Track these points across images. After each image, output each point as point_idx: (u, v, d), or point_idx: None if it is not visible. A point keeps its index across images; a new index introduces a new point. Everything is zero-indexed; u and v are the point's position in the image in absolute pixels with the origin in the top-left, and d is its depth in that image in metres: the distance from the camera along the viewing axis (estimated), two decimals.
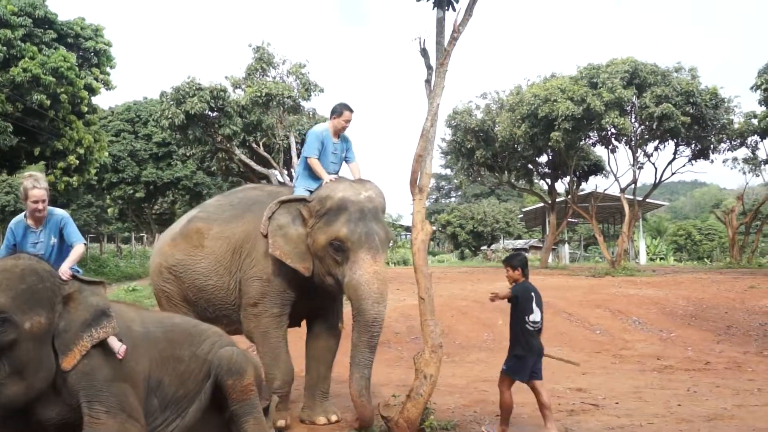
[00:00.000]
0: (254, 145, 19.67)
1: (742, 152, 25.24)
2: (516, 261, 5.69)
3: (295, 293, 5.90)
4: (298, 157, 21.26)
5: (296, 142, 19.96)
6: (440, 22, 8.28)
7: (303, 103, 19.38)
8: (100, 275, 18.91)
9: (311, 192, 5.89)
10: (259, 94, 17.65)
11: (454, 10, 8.49)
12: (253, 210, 6.09)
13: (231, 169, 21.89)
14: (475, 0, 8.14)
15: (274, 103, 17.91)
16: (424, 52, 8.25)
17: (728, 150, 24.40)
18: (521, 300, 5.53)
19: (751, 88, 18.00)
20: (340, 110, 6.19)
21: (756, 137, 23.59)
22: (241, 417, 4.47)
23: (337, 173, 6.18)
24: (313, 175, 5.99)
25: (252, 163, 19.25)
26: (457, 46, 8.27)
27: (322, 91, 19.16)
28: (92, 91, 19.12)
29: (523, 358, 5.50)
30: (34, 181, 4.60)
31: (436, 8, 8.42)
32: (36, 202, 4.58)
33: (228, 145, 18.78)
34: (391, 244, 6.13)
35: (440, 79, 7.85)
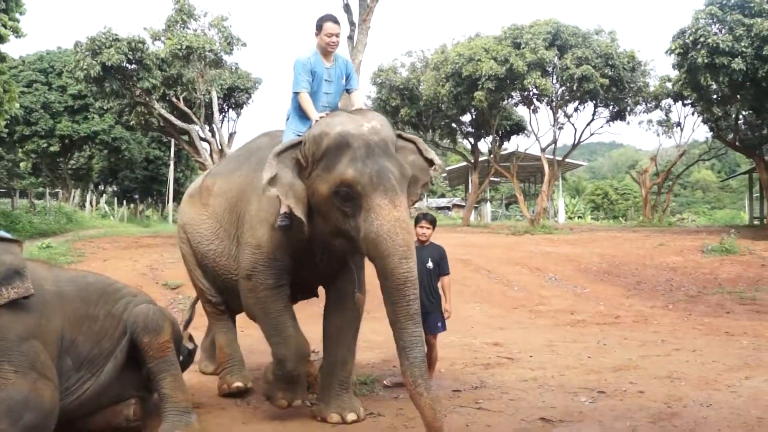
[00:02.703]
0: (174, 100, 19.16)
1: (657, 114, 26.19)
2: (435, 221, 6.04)
3: (290, 260, 4.85)
4: (220, 112, 20.95)
5: (218, 97, 19.55)
6: None
7: (225, 57, 18.87)
8: (12, 231, 18.24)
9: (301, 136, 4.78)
10: (179, 47, 17.10)
11: None
12: (251, 160, 5.20)
13: (150, 124, 21.26)
14: None
15: (195, 56, 17.40)
16: (347, 8, 8.24)
17: (644, 112, 25.31)
18: (443, 259, 5.94)
19: (666, 52, 18.50)
20: (320, 23, 4.92)
21: (669, 100, 24.46)
22: (158, 374, 4.43)
23: (332, 106, 5.01)
24: (304, 115, 4.85)
25: (172, 118, 18.75)
26: (382, 3, 8.27)
27: (244, 45, 18.71)
28: (0, 39, 18.17)
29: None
30: None
31: None
32: None
33: (147, 98, 18.21)
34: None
35: (363, 36, 7.86)
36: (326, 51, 4.92)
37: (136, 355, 4.48)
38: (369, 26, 7.87)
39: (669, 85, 23.00)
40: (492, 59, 20.91)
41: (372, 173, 4.17)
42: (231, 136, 22.26)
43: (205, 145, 19.49)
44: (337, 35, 4.91)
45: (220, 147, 19.11)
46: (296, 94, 4.86)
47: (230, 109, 22.74)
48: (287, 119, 5.03)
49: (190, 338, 5.18)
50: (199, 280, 5.94)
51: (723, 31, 17.24)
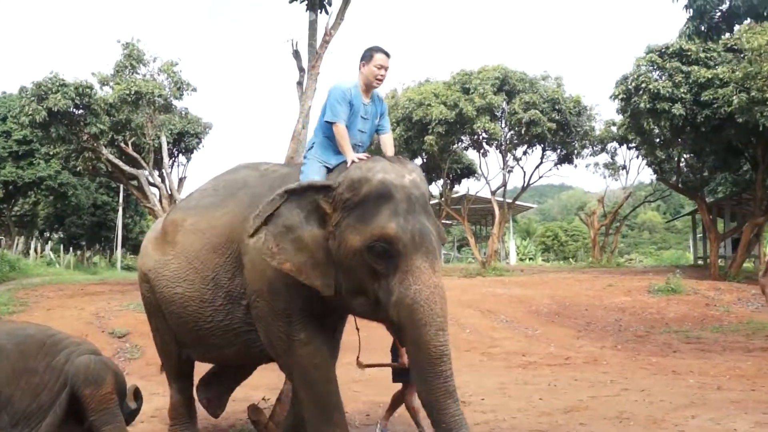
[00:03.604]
0: (123, 145, 18.96)
1: (603, 157, 26.82)
2: None
3: (313, 310, 4.21)
4: (170, 157, 20.79)
5: (168, 142, 19.40)
6: (312, 25, 8.32)
7: (175, 102, 18.83)
8: None
9: (330, 170, 4.25)
10: (128, 92, 16.98)
11: (327, 13, 8.57)
12: (238, 196, 4.60)
13: (98, 169, 20.97)
14: (347, 4, 8.24)
15: (144, 101, 17.30)
16: (296, 54, 8.26)
17: (590, 155, 25.91)
18: None
19: (610, 97, 19.04)
20: (369, 54, 4.44)
21: (615, 144, 25.09)
22: (100, 428, 4.30)
23: (364, 146, 4.57)
24: (334, 146, 4.32)
25: (120, 164, 18.52)
26: (332, 50, 8.34)
27: (195, 90, 18.69)
28: None
29: None
30: None
31: (308, 11, 8.47)
32: None
33: (95, 144, 17.97)
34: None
35: (312, 82, 7.89)
36: (370, 85, 4.48)
37: (78, 409, 4.34)
38: (318, 72, 7.92)
39: (614, 129, 23.61)
40: (442, 104, 21.23)
41: (415, 232, 3.73)
42: (181, 181, 22.08)
43: (155, 190, 19.27)
44: (386, 69, 4.46)
45: (169, 192, 18.91)
46: (330, 124, 4.31)
47: (180, 154, 22.57)
48: (309, 148, 4.48)
49: (136, 393, 4.95)
50: (163, 333, 5.26)
51: (663, 77, 17.80)
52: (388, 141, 4.69)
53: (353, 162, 4.04)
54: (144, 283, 5.27)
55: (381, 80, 4.46)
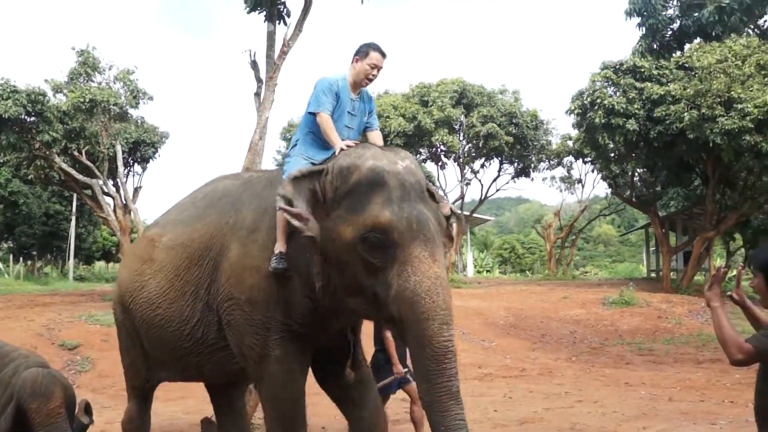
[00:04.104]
0: (76, 153, 18.61)
1: (559, 171, 27.21)
2: None
3: (298, 321, 3.88)
4: (125, 166, 20.47)
5: (123, 151, 19.11)
6: (271, 36, 8.32)
7: (131, 110, 18.59)
8: None
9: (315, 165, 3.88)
10: (82, 100, 16.70)
11: (285, 24, 8.58)
12: (219, 206, 4.28)
13: (51, 178, 20.56)
14: (305, 16, 8.25)
15: (99, 109, 17.03)
16: (254, 65, 8.24)
17: (547, 169, 26.25)
18: None
19: (566, 112, 19.34)
20: (365, 50, 4.16)
21: (571, 158, 25.45)
22: None
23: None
24: (321, 141, 4.02)
25: (74, 172, 18.16)
26: (290, 61, 8.34)
27: (151, 99, 18.49)
28: None
29: None
30: None
31: (267, 22, 8.46)
32: None
33: (47, 152, 17.62)
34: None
35: (270, 93, 7.88)
36: (360, 82, 4.18)
37: (25, 423, 4.23)
38: (276, 83, 7.90)
39: (570, 143, 23.96)
40: (401, 116, 21.36)
41: (411, 219, 3.39)
42: (136, 190, 21.75)
43: (109, 200, 18.96)
44: (379, 70, 4.19)
45: (124, 202, 18.63)
46: (313, 115, 4.03)
47: (136, 164, 22.22)
48: (293, 146, 4.21)
49: (87, 407, 4.76)
50: (132, 354, 4.91)
51: (618, 93, 18.14)
52: (377, 139, 4.36)
53: (341, 150, 3.73)
54: (118, 305, 4.90)
55: (372, 80, 4.22)
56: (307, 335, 3.90)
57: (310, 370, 4.15)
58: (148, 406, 5.19)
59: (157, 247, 4.49)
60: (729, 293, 2.99)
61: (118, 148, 18.60)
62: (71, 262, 34.69)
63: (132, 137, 20.90)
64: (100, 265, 39.44)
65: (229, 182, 4.51)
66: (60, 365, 9.58)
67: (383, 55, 4.18)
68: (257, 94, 7.86)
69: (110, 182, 19.24)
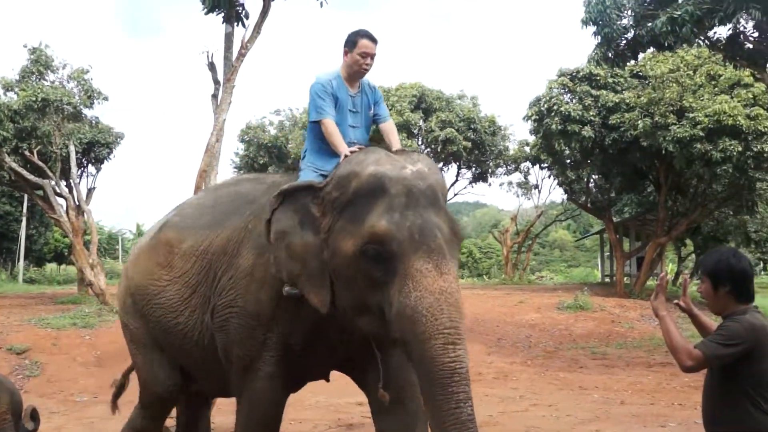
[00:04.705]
0: (28, 153, 18.21)
1: (516, 177, 27.49)
2: None
3: (300, 338, 3.70)
4: (79, 167, 20.07)
5: (76, 151, 18.74)
6: (229, 38, 8.27)
7: (85, 110, 18.24)
8: None
9: (326, 177, 3.60)
10: (34, 99, 16.32)
11: (244, 26, 8.54)
12: (242, 212, 4.00)
13: (1, 178, 20.09)
14: (264, 18, 8.22)
15: (52, 109, 16.68)
16: (211, 66, 8.19)
17: (504, 174, 26.51)
18: None
19: (524, 118, 19.55)
20: (353, 39, 3.88)
21: (528, 163, 25.72)
22: None
23: (361, 144, 3.86)
24: (329, 149, 3.74)
25: (24, 172, 17.76)
26: (249, 63, 8.29)
27: (106, 99, 18.16)
28: None
29: None
30: None
31: (225, 23, 8.41)
32: None
33: None
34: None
35: (227, 95, 7.83)
36: (355, 74, 3.93)
37: None
38: (234, 85, 7.86)
39: (527, 149, 24.20)
40: None
41: (413, 228, 3.12)
42: (90, 192, 21.32)
43: (61, 201, 18.56)
44: (373, 57, 3.90)
45: (77, 203, 18.26)
46: (315, 123, 3.81)
47: (90, 164, 21.79)
48: (302, 157, 4.00)
49: (33, 413, 4.58)
50: (147, 365, 4.66)
51: (574, 100, 18.39)
52: (389, 129, 4.11)
53: (345, 156, 3.51)
54: (130, 307, 4.65)
55: (366, 70, 3.93)
56: (303, 357, 3.74)
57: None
58: (163, 423, 4.94)
59: (177, 253, 4.25)
60: (676, 301, 3.06)
61: (72, 148, 18.23)
62: (21, 264, 33.92)
63: (86, 137, 20.48)
64: (51, 267, 38.65)
65: (253, 186, 4.26)
66: (7, 370, 9.36)
67: (374, 41, 3.90)
68: (214, 96, 7.80)
69: (63, 183, 18.82)
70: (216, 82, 7.77)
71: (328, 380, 4.20)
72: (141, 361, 4.71)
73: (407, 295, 3.03)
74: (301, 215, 3.44)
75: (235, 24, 8.19)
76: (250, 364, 3.71)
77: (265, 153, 25.58)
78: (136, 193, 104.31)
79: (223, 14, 8.23)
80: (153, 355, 4.56)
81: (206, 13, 8.33)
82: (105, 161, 21.68)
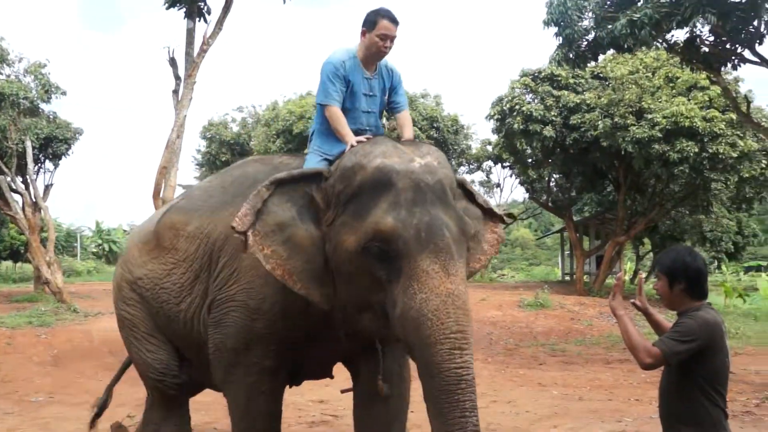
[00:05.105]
0: None
1: (479, 175, 27.68)
2: None
3: (301, 334, 3.58)
4: (35, 163, 19.70)
5: (33, 147, 18.41)
6: (190, 33, 8.19)
7: (42, 105, 17.96)
8: None
9: (331, 162, 3.45)
10: None
11: (206, 22, 8.46)
12: (248, 194, 3.54)
13: None
14: (226, 14, 8.15)
15: (7, 103, 16.37)
16: (172, 62, 8.10)
17: (467, 173, 26.63)
18: None
19: (486, 117, 19.70)
20: (373, 19, 3.62)
21: (490, 162, 25.93)
22: None
23: (374, 130, 3.77)
24: (335, 134, 3.61)
25: None
26: (212, 58, 8.20)
27: (64, 93, 17.91)
28: None
29: None
30: None
31: (186, 19, 8.32)
32: None
33: None
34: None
35: (188, 91, 7.76)
36: (373, 57, 3.69)
37: None
38: (195, 81, 7.78)
39: (489, 148, 24.39)
40: None
41: (420, 226, 2.95)
42: (47, 188, 20.94)
43: (17, 197, 18.23)
44: (393, 39, 3.64)
45: (34, 200, 17.95)
46: (322, 107, 3.66)
47: (47, 160, 21.41)
48: (310, 139, 3.85)
49: None
50: (149, 354, 4.41)
51: (536, 100, 18.58)
52: (405, 120, 3.93)
53: (351, 146, 3.34)
54: (129, 295, 4.44)
55: (385, 53, 3.69)
56: (306, 351, 3.66)
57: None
58: (188, 427, 4.67)
59: (182, 235, 4.07)
60: (632, 301, 3.13)
61: (28, 143, 17.88)
62: None
63: (43, 133, 20.09)
64: (7, 264, 37.87)
65: (259, 167, 4.00)
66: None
67: (395, 22, 3.64)
68: (175, 92, 7.72)
69: (19, 179, 18.49)
70: (177, 77, 7.69)
71: (332, 377, 4.12)
72: (139, 351, 4.47)
73: (412, 296, 2.89)
74: (300, 206, 3.28)
75: (197, 19, 8.12)
76: (244, 358, 3.58)
77: (227, 150, 25.43)
78: (96, 190, 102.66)
79: (184, 9, 8.14)
80: (151, 343, 4.38)
81: (167, 8, 8.23)
82: (63, 157, 21.33)
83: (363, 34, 3.65)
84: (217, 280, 3.74)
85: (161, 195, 6.83)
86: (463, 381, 2.80)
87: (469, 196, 3.56)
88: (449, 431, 2.77)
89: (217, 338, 3.69)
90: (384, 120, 4.18)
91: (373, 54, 3.66)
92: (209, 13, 8.23)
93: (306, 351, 3.67)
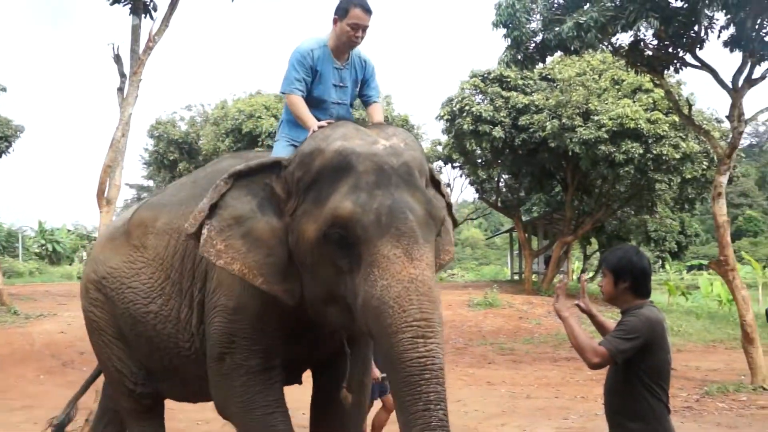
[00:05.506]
0: None
1: None
2: None
3: (283, 332, 3.37)
4: None
5: None
6: (135, 30, 8.00)
7: None
8: None
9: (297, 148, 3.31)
10: None
11: (152, 18, 8.27)
12: None
13: None
14: (172, 11, 8.00)
15: None
16: (117, 59, 7.90)
17: None
18: None
19: (436, 117, 19.79)
20: (344, 6, 3.49)
21: (440, 162, 26.02)
22: None
23: (344, 119, 3.47)
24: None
25: None
26: (156, 56, 8.06)
27: (4, 90, 17.46)
28: None
29: None
30: None
31: (131, 15, 8.13)
32: None
33: None
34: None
35: (133, 88, 7.59)
36: (343, 46, 3.57)
37: None
38: (140, 79, 7.61)
39: (439, 148, 24.46)
40: (272, 116, 21.08)
41: (381, 209, 2.76)
42: None
43: None
44: (365, 29, 3.52)
45: None
46: (284, 95, 3.55)
47: None
48: (279, 128, 3.77)
49: None
50: (118, 361, 4.11)
51: (485, 101, 18.70)
52: (376, 113, 3.76)
53: (313, 131, 3.18)
54: (95, 295, 4.14)
55: (356, 43, 3.57)
56: (291, 350, 3.43)
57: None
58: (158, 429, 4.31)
59: (151, 232, 3.82)
60: (576, 302, 3.17)
61: None
62: None
63: None
64: None
65: (233, 162, 3.65)
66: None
67: (368, 11, 3.51)
68: (120, 90, 7.55)
69: None
70: (122, 75, 7.52)
71: (300, 381, 3.89)
72: (105, 357, 4.21)
73: (373, 284, 2.71)
74: (261, 198, 3.11)
75: (143, 16, 7.94)
76: (230, 360, 3.34)
77: (175, 149, 25.04)
78: (38, 189, 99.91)
79: (129, 5, 7.97)
80: (117, 348, 4.10)
81: (111, 4, 8.05)
82: (3, 155, 20.73)
83: (334, 22, 3.53)
84: (207, 288, 3.52)
85: (105, 194, 6.67)
86: (427, 371, 2.58)
87: (436, 185, 3.38)
88: (413, 425, 2.56)
89: (209, 349, 3.46)
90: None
91: (344, 43, 3.55)
92: (155, 10, 8.07)
93: (292, 349, 3.44)
